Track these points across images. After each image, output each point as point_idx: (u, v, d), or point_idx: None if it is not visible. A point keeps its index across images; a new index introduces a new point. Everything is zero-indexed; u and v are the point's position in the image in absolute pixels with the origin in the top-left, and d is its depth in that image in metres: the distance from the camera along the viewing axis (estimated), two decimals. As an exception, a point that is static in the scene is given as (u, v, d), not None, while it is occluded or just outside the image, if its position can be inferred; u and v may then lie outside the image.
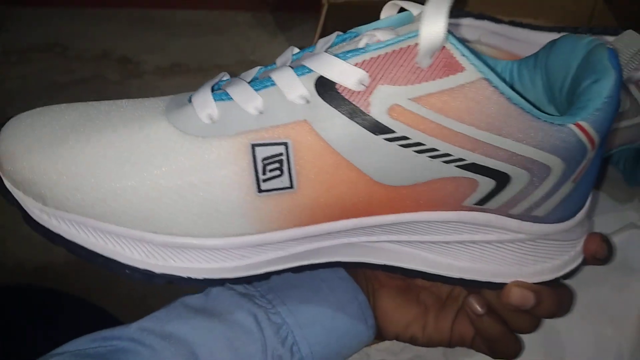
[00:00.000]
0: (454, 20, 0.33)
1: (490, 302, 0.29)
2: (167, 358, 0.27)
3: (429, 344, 0.32)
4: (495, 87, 0.22)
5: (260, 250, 0.25)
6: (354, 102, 0.22)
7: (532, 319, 0.29)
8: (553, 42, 0.26)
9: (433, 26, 0.21)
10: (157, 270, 0.25)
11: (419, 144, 0.22)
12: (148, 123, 0.24)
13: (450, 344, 0.32)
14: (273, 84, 0.23)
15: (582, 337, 0.33)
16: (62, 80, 1.10)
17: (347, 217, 0.25)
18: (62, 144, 0.24)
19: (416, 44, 0.22)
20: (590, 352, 0.33)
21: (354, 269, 0.32)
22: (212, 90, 0.24)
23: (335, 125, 0.22)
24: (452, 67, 0.22)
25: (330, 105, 0.22)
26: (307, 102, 0.23)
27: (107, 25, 1.19)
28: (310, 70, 0.23)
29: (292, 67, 0.23)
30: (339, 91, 0.22)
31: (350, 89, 0.22)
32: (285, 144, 0.23)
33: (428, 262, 0.27)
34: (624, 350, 0.33)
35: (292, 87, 0.23)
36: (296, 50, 0.26)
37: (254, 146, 0.23)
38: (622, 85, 0.24)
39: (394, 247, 0.27)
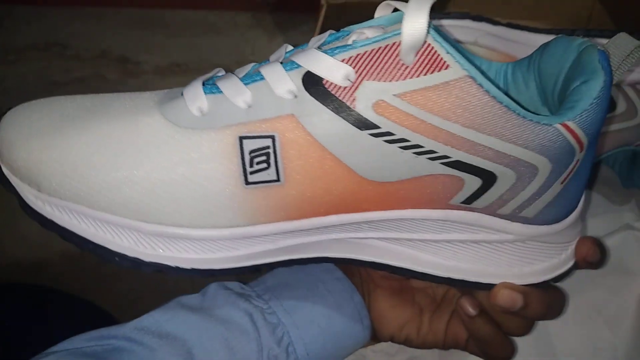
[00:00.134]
0: (452, 22, 0.33)
1: (483, 304, 0.29)
2: (163, 357, 0.27)
3: (424, 345, 0.32)
4: (480, 84, 0.22)
5: (249, 243, 0.26)
6: (340, 97, 0.22)
7: (524, 321, 0.29)
8: (546, 44, 0.26)
9: (414, 23, 0.21)
10: (146, 258, 0.25)
11: (404, 140, 0.22)
12: (142, 115, 0.25)
13: (444, 345, 0.31)
14: (262, 79, 0.24)
15: (577, 339, 0.33)
16: (61, 79, 1.08)
17: (335, 212, 0.25)
18: (59, 133, 0.24)
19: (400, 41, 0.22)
20: (586, 355, 0.33)
21: (349, 269, 0.32)
22: (205, 84, 0.25)
23: (321, 120, 0.23)
24: (437, 65, 0.22)
25: (317, 100, 0.23)
26: (295, 96, 0.23)
27: (106, 25, 1.17)
28: (299, 66, 0.23)
29: (281, 63, 0.24)
30: (326, 86, 0.23)
31: (336, 85, 0.22)
32: (272, 137, 0.23)
33: (416, 260, 0.27)
34: (619, 353, 0.32)
35: (280, 81, 0.23)
36: (290, 47, 0.26)
37: (241, 139, 0.23)
38: (612, 87, 0.23)
39: (382, 245, 0.27)
